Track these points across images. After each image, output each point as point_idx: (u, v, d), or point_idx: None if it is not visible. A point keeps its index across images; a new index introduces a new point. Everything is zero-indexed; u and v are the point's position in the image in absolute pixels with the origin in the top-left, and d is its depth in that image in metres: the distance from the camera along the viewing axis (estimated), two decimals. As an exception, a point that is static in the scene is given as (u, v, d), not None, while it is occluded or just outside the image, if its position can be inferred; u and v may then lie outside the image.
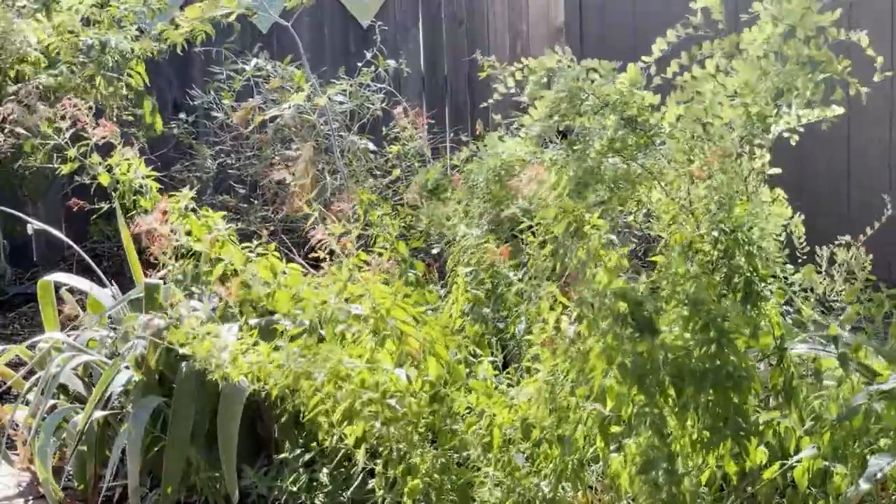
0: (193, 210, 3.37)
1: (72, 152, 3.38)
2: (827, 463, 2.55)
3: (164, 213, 2.93)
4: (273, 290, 2.62)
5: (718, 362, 2.54)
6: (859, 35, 2.70)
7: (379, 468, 2.78)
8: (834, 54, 2.69)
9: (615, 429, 2.63)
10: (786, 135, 2.84)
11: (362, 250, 3.09)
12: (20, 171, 5.00)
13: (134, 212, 3.45)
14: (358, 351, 2.70)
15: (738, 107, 2.66)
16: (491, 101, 3.09)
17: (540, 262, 3.03)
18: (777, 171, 2.88)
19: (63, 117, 3.40)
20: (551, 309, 2.65)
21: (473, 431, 2.71)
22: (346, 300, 2.62)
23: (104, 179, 3.43)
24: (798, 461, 2.60)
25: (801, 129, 2.85)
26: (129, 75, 5.17)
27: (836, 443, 2.54)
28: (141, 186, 3.42)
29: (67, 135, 3.41)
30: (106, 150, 3.44)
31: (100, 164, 3.38)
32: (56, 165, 3.55)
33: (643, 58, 2.80)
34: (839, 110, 2.79)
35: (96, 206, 3.72)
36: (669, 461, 2.50)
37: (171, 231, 2.98)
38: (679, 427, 2.59)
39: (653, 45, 2.81)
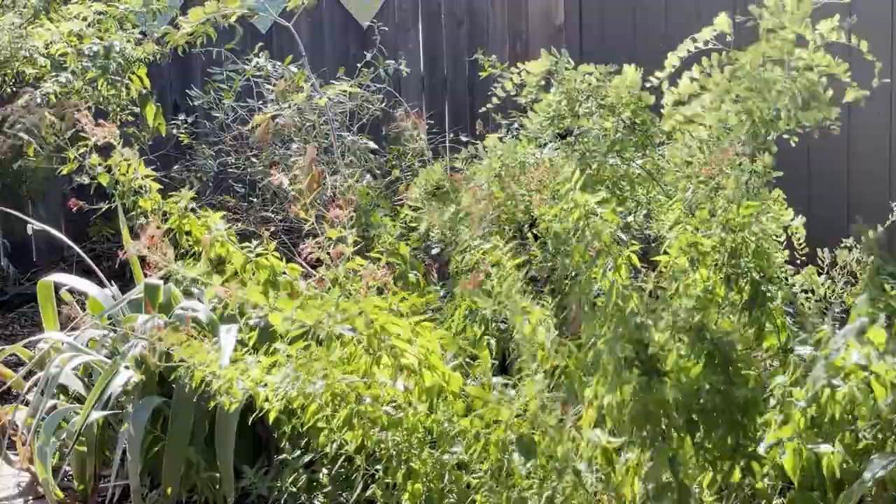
0: (193, 210, 3.37)
1: (71, 153, 3.38)
2: (811, 446, 2.51)
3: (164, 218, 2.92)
4: (266, 313, 2.62)
5: (724, 388, 2.52)
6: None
7: (379, 473, 2.78)
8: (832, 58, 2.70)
9: (616, 443, 2.62)
10: (785, 136, 2.84)
11: (363, 251, 3.09)
12: (20, 171, 5.00)
13: (134, 212, 3.45)
14: (352, 367, 2.70)
15: (741, 112, 2.67)
16: (490, 105, 3.09)
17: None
18: (778, 174, 2.89)
19: (63, 118, 3.39)
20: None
21: (471, 452, 2.70)
22: (340, 318, 2.62)
23: (104, 179, 3.43)
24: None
25: (800, 132, 2.85)
26: (131, 79, 5.16)
27: (818, 423, 2.50)
28: (140, 187, 3.42)
29: (67, 135, 3.39)
30: (106, 150, 3.44)
31: (99, 164, 3.38)
32: (56, 166, 3.53)
33: (656, 74, 2.79)
34: (836, 110, 2.79)
35: (96, 207, 3.72)
36: (681, 493, 2.50)
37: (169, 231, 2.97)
38: (685, 454, 2.58)
39: (660, 55, 2.80)
